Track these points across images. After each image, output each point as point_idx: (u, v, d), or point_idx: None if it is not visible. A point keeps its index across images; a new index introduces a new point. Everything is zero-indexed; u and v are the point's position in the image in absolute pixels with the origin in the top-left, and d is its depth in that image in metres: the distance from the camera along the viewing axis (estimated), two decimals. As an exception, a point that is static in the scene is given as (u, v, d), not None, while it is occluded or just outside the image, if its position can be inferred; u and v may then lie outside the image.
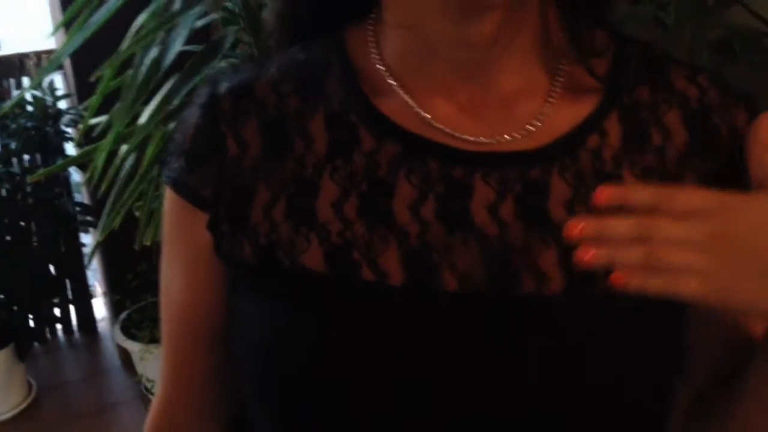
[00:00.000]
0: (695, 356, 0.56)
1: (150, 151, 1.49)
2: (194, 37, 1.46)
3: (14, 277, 2.22)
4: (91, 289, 2.69)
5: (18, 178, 2.14)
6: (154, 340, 2.15)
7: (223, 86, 0.57)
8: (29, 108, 2.17)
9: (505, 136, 0.52)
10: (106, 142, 1.42)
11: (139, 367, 2.16)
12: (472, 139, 0.52)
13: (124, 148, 1.56)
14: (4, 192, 2.12)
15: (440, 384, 0.49)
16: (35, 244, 2.27)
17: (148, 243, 1.47)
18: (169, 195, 0.59)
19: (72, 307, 2.64)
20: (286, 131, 0.54)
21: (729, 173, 0.52)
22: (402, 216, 0.51)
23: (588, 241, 0.42)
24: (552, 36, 0.54)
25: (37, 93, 2.13)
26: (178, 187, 0.57)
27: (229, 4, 1.54)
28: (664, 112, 0.55)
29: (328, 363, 0.50)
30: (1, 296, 2.24)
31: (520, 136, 0.52)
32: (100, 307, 2.74)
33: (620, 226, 0.43)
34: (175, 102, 1.45)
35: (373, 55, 0.56)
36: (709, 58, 1.19)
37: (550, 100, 0.54)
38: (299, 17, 0.59)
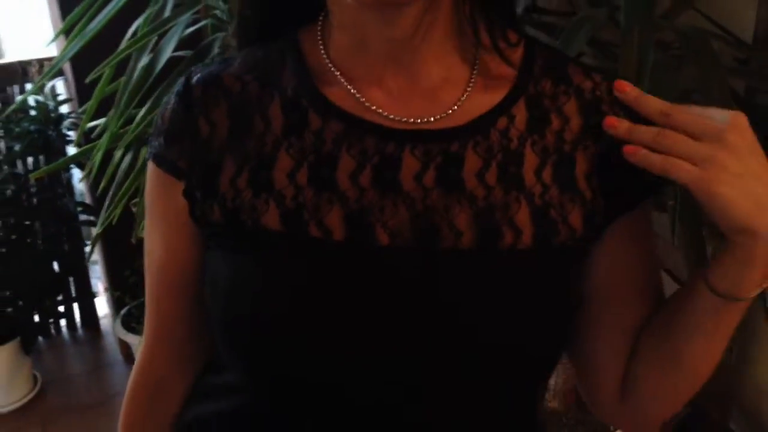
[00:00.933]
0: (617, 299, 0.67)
1: (144, 150, 1.59)
2: (185, 42, 1.56)
3: (20, 274, 2.32)
4: (94, 287, 2.79)
5: (22, 179, 2.25)
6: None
7: (195, 77, 0.67)
8: (32, 112, 2.27)
9: (431, 118, 0.63)
10: (103, 142, 1.52)
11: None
12: (402, 119, 0.62)
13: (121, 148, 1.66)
14: (9, 192, 2.22)
15: (372, 319, 0.59)
16: (39, 242, 2.36)
17: (143, 236, 1.56)
18: (150, 169, 0.69)
19: (75, 305, 2.75)
20: (248, 114, 0.65)
21: (615, 153, 0.62)
22: (343, 183, 0.61)
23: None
24: (466, 29, 0.64)
25: (40, 98, 2.24)
26: (158, 160, 0.68)
27: (217, 12, 1.64)
28: (564, 102, 0.65)
29: (280, 303, 0.60)
30: (7, 292, 2.34)
31: (440, 117, 0.63)
32: (102, 305, 2.84)
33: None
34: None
35: (321, 52, 0.66)
36: (657, 58, 1.28)
37: (468, 88, 0.64)
38: (259, 21, 0.69)
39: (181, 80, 0.68)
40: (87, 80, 1.60)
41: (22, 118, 2.21)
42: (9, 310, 2.39)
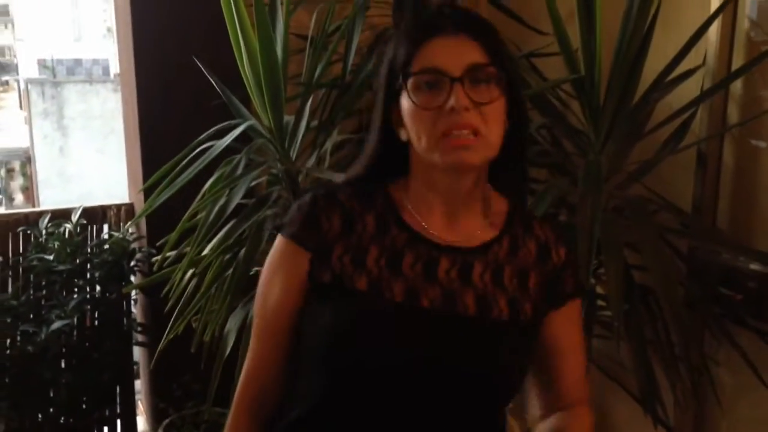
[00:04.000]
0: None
1: (210, 275, 2.00)
2: (247, 193, 2.00)
3: (80, 386, 2.68)
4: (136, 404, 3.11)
5: (98, 300, 2.68)
6: (191, 441, 2.58)
7: (320, 192, 1.09)
8: (105, 246, 2.73)
9: (459, 240, 1.08)
10: (183, 264, 1.93)
11: (178, 464, 2.58)
12: (443, 239, 1.07)
13: (188, 273, 2.07)
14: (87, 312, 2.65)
15: (414, 345, 1.01)
16: (96, 355, 2.73)
17: (207, 339, 1.94)
18: (280, 243, 1.09)
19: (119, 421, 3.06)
20: (353, 221, 1.07)
21: (555, 277, 1.09)
22: (406, 270, 1.04)
23: None
24: (485, 197, 1.10)
25: (117, 235, 2.72)
26: (295, 237, 1.07)
27: (274, 170, 2.11)
28: (528, 241, 1.11)
29: (364, 337, 1.01)
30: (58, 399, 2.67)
31: (463, 241, 1.08)
32: (140, 422, 3.15)
33: None
34: (232, 239, 1.98)
35: (404, 195, 1.10)
36: (606, 217, 1.70)
37: (480, 228, 1.10)
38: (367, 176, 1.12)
39: (311, 193, 1.09)
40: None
41: (102, 251, 2.67)
42: (62, 419, 2.72)
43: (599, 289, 1.91)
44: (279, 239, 1.10)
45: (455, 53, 0.99)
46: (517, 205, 1.14)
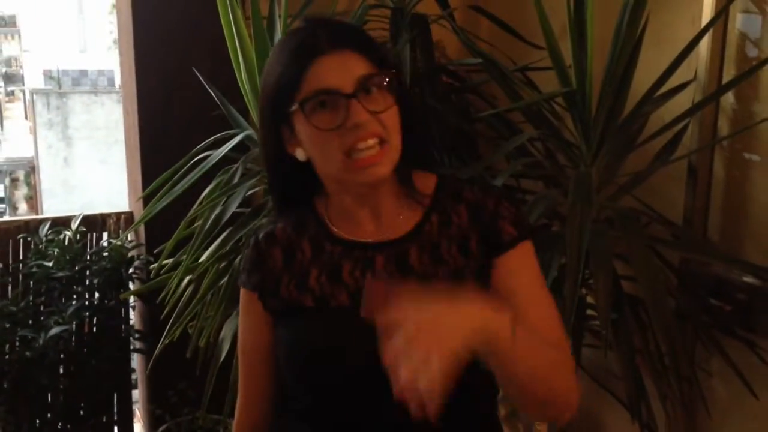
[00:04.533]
0: None
1: (206, 282, 2.03)
2: (244, 202, 2.04)
3: (77, 393, 2.71)
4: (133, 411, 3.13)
5: (96, 307, 2.71)
6: (189, 448, 2.61)
7: (260, 235, 1.16)
8: (104, 253, 2.77)
9: (387, 234, 1.10)
10: (179, 271, 1.96)
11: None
12: (374, 237, 1.10)
13: (185, 279, 2.10)
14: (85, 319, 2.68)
15: (364, 346, 1.00)
16: (93, 362, 2.75)
17: (202, 344, 1.96)
18: (242, 294, 1.17)
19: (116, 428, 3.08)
20: (292, 251, 1.13)
21: (491, 228, 1.09)
22: (346, 278, 1.09)
23: None
24: (402, 180, 1.11)
25: (116, 242, 2.75)
26: (246, 285, 1.16)
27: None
28: (458, 207, 1.11)
29: (318, 347, 1.07)
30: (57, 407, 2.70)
31: (392, 232, 1.10)
32: (138, 429, 3.17)
33: None
34: (228, 247, 2.01)
35: (325, 212, 1.15)
36: (595, 228, 1.73)
37: (406, 213, 1.11)
38: (279, 202, 1.19)
39: (253, 238, 1.17)
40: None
41: (101, 258, 2.70)
42: (59, 425, 2.74)
43: (589, 299, 1.94)
44: (240, 290, 1.18)
45: (342, 69, 0.99)
46: (444, 177, 1.15)
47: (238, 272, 1.23)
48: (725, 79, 1.91)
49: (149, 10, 2.64)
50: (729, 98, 1.91)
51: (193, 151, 2.13)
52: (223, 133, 2.15)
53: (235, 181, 1.99)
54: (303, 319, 1.10)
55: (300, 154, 1.07)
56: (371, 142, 0.99)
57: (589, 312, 1.93)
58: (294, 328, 1.10)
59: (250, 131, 2.13)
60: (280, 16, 2.07)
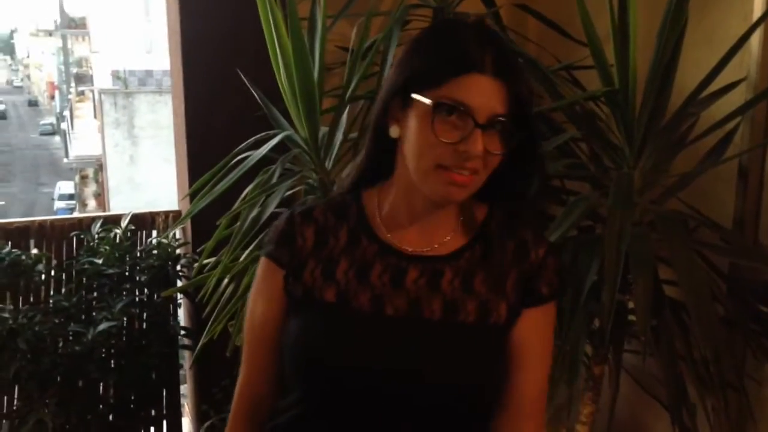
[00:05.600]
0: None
1: (245, 281, 2.05)
2: (283, 202, 2.05)
3: (127, 386, 2.77)
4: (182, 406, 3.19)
5: (145, 303, 2.78)
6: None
7: (297, 210, 1.13)
8: (154, 251, 2.82)
9: (428, 249, 1.08)
10: (217, 271, 1.99)
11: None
12: (412, 249, 1.08)
13: (226, 278, 2.12)
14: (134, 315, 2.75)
15: (379, 351, 1.02)
16: (143, 357, 2.81)
17: (238, 343, 1.98)
18: (262, 262, 1.13)
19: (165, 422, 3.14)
20: (326, 235, 1.10)
21: (532, 276, 1.07)
22: (374, 280, 1.06)
23: None
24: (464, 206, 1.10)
25: (163, 240, 2.81)
26: (271, 256, 1.12)
27: (310, 180, 2.15)
28: (506, 241, 1.09)
29: (330, 347, 1.04)
30: (111, 399, 2.77)
31: (433, 249, 1.08)
32: (185, 424, 3.23)
33: None
34: (266, 246, 2.02)
35: (376, 207, 1.11)
36: (636, 231, 1.68)
37: (449, 235, 1.09)
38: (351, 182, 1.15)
39: (288, 212, 1.14)
40: (221, 222, 2.06)
41: (148, 256, 2.76)
42: (110, 417, 2.82)
43: (631, 304, 1.88)
44: (261, 258, 1.15)
45: (487, 97, 0.97)
46: (495, 211, 1.12)
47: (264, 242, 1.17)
48: (778, 76, 1.84)
49: (196, 14, 2.68)
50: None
51: (234, 150, 2.16)
52: (264, 133, 2.17)
53: (274, 180, 2.00)
54: (320, 316, 1.06)
55: (394, 131, 1.05)
56: (465, 172, 0.99)
57: (631, 318, 1.87)
58: (308, 323, 1.07)
59: (290, 132, 2.14)
60: (320, 16, 2.08)
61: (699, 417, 1.78)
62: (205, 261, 2.20)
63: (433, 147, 0.98)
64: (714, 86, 1.81)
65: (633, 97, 1.79)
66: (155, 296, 2.77)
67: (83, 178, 26.13)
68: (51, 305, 2.73)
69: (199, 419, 2.88)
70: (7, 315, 2.54)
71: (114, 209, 15.81)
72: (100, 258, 2.69)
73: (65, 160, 25.85)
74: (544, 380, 1.11)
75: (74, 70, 33.20)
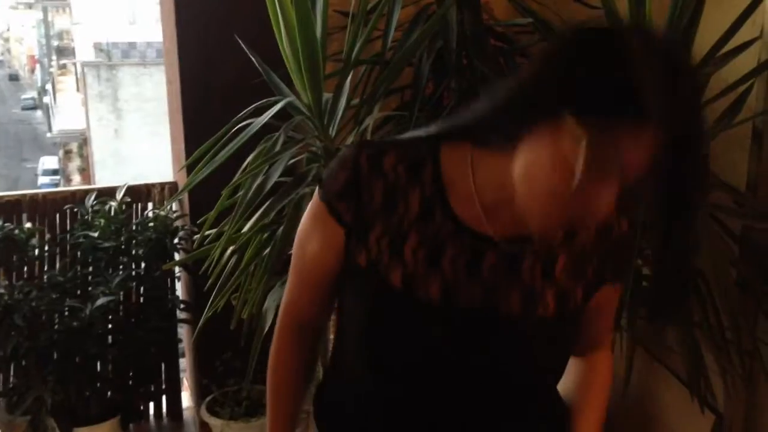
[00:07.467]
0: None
1: (249, 253, 2.00)
2: (287, 170, 1.99)
3: (125, 360, 2.73)
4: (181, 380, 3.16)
5: (142, 277, 2.73)
6: (233, 417, 2.61)
7: (367, 152, 0.96)
8: (151, 225, 2.76)
9: (511, 231, 0.94)
10: (221, 242, 1.94)
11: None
12: (493, 229, 0.95)
13: (228, 250, 2.07)
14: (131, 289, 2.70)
15: (451, 347, 0.95)
16: (141, 333, 2.76)
17: (245, 316, 1.94)
18: (319, 204, 0.99)
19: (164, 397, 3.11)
20: (395, 197, 0.95)
21: (616, 250, 1.01)
22: (446, 265, 0.94)
23: None
24: None
25: (161, 213, 2.75)
26: (330, 206, 0.97)
27: (313, 148, 2.09)
28: None
29: (396, 339, 0.96)
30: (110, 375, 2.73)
31: (516, 230, 0.93)
32: (185, 398, 3.20)
33: None
34: (270, 217, 1.97)
35: (468, 174, 0.94)
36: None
37: None
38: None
39: (353, 152, 0.97)
40: (223, 193, 2.00)
41: (145, 229, 2.70)
42: (108, 393, 2.78)
43: (645, 270, 1.85)
44: (317, 196, 1.01)
45: (645, 162, 0.78)
46: None
47: (320, 183, 1.00)
48: (794, 36, 1.79)
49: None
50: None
51: (234, 119, 2.09)
52: (265, 100, 2.10)
53: (277, 149, 1.94)
54: (386, 302, 0.96)
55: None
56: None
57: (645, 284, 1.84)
58: (374, 309, 0.97)
59: (291, 98, 2.08)
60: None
61: (714, 383, 1.76)
62: (206, 233, 2.15)
63: (562, 178, 0.80)
64: (728, 46, 1.77)
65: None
66: (153, 270, 2.71)
67: (67, 152, 25.83)
68: (46, 281, 2.67)
69: (199, 394, 2.85)
70: (2, 291, 2.48)
71: (100, 183, 15.66)
72: (95, 231, 2.63)
73: (48, 134, 25.58)
74: (613, 314, 1.12)
75: (55, 42, 32.68)
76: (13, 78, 46.59)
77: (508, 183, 0.88)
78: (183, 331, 3.08)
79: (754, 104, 1.86)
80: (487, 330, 0.96)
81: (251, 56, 2.18)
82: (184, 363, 3.27)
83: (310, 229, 1.03)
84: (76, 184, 23.52)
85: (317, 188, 1.01)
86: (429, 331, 0.96)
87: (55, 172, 25.08)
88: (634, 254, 1.07)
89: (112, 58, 19.31)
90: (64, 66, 28.12)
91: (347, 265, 0.99)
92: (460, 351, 0.95)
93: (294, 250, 1.07)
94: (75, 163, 25.26)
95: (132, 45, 20.08)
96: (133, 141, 17.54)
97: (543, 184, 0.83)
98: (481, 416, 0.99)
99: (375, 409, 1.03)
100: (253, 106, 2.10)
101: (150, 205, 2.89)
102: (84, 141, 21.43)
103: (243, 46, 2.20)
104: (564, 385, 1.12)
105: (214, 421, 2.62)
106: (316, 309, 1.10)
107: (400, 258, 0.94)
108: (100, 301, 2.49)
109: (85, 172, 22.68)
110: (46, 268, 2.77)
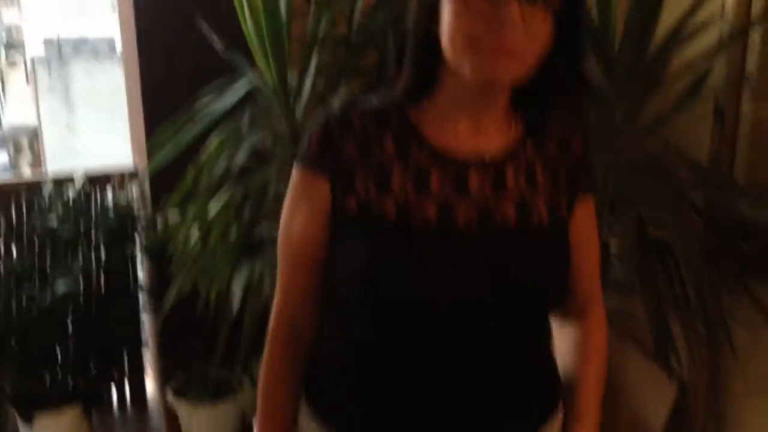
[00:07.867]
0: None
1: (214, 233, 1.97)
2: (253, 152, 1.96)
3: (87, 346, 2.68)
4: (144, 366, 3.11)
5: (103, 265, 2.67)
6: (200, 400, 2.58)
7: (332, 116, 1.01)
8: (110, 211, 2.71)
9: (482, 152, 0.99)
10: (187, 222, 1.90)
11: (185, 425, 2.58)
12: (469, 153, 0.99)
13: (195, 234, 2.03)
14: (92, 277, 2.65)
15: (451, 268, 0.95)
16: (103, 319, 2.70)
17: (213, 296, 1.91)
18: (299, 176, 1.02)
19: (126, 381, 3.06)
20: (370, 144, 0.99)
21: (577, 168, 1.04)
22: (435, 188, 0.97)
23: None
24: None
25: (121, 199, 2.70)
26: (312, 165, 1.00)
27: (278, 129, 2.06)
28: (548, 138, 1.03)
29: (400, 270, 0.95)
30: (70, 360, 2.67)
31: (490, 150, 1.00)
32: (149, 383, 3.15)
33: None
34: (237, 198, 1.94)
35: (422, 116, 1.01)
36: (617, 171, 1.66)
37: (505, 134, 1.01)
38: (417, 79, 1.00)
39: (322, 120, 1.01)
40: (188, 172, 1.96)
41: (106, 217, 2.64)
42: (69, 381, 2.71)
43: (613, 247, 1.87)
44: (295, 171, 1.03)
45: None
46: (530, 110, 1.04)
47: (304, 153, 1.02)
48: (753, 16, 1.83)
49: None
50: (756, 37, 1.84)
51: (197, 98, 2.05)
52: (227, 78, 2.07)
53: (244, 131, 1.91)
54: (383, 236, 0.96)
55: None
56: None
57: (612, 261, 1.86)
58: (372, 246, 0.96)
59: (255, 78, 2.04)
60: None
61: (680, 355, 1.79)
62: (169, 217, 2.12)
63: (466, 23, 0.89)
64: (691, 25, 1.80)
65: (613, 34, 1.75)
66: (113, 257, 2.66)
67: (17, 147, 25.21)
68: (1, 269, 2.59)
69: (164, 380, 2.80)
70: (-42, 281, 2.41)
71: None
72: (53, 220, 2.56)
73: (-2, 130, 24.90)
74: (598, 262, 1.13)
75: (4, 38, 31.84)
76: (-40, 73, 45.28)
77: (450, 103, 0.98)
78: (146, 318, 3.03)
79: (716, 82, 1.89)
80: (487, 247, 0.97)
81: (212, 36, 2.14)
82: (147, 349, 3.22)
83: (293, 205, 1.04)
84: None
85: (294, 167, 1.03)
86: (430, 259, 0.95)
87: (5, 167, 24.47)
88: (593, 164, 1.08)
89: (63, 54, 18.86)
90: (12, 58, 27.43)
91: (338, 219, 0.99)
92: (460, 278, 0.95)
93: (279, 239, 1.06)
94: (26, 158, 24.67)
95: (83, 40, 19.65)
96: (85, 135, 17.19)
97: (452, 30, 0.91)
98: (479, 357, 0.98)
99: (374, 371, 1.01)
100: (216, 84, 2.06)
101: (109, 193, 2.83)
102: (35, 136, 20.95)
103: (202, 27, 2.16)
104: (560, 354, 1.13)
105: (180, 405, 2.58)
106: (308, 307, 1.08)
107: (390, 192, 0.97)
108: (62, 289, 2.43)
109: (37, 167, 22.17)
110: (2, 257, 2.68)
